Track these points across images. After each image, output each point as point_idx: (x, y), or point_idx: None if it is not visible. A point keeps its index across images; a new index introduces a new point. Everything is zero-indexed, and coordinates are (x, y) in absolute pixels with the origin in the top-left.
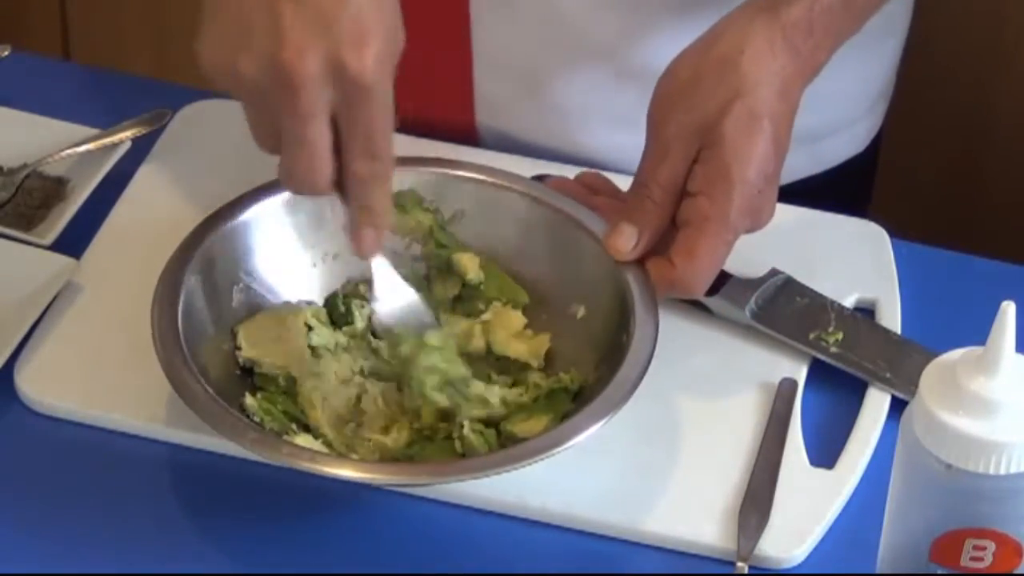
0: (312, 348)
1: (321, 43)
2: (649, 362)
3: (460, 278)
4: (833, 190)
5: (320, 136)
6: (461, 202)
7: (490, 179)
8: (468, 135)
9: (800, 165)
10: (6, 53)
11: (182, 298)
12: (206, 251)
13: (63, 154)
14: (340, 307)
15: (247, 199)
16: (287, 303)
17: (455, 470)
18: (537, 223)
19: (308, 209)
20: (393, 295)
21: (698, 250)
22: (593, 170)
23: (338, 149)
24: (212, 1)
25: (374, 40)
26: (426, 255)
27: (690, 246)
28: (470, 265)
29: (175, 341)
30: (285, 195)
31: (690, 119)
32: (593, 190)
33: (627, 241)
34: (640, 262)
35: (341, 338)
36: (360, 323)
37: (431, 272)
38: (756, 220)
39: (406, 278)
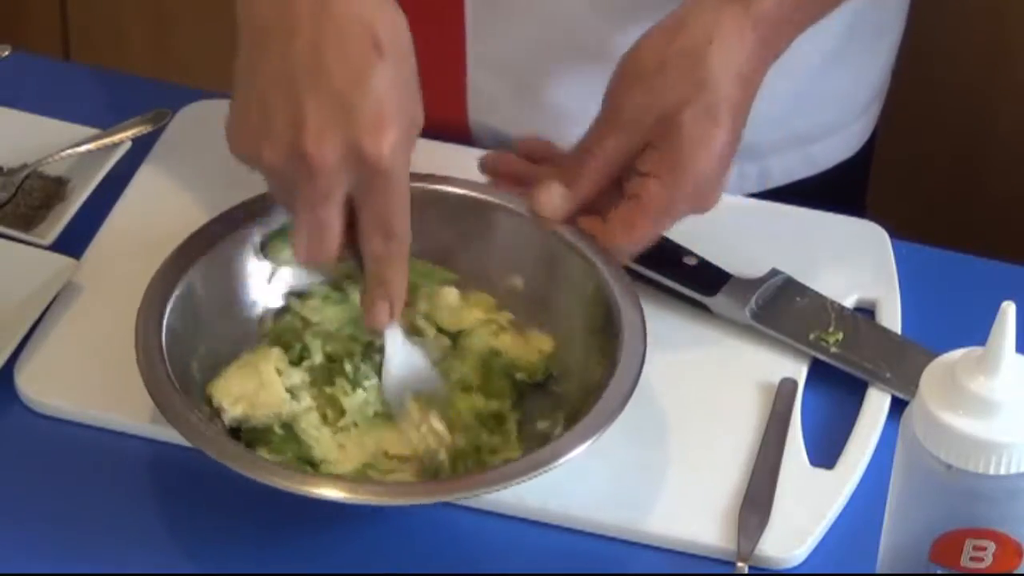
0: (288, 390)
1: (340, 130)
2: (641, 367)
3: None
4: (826, 192)
5: (332, 218)
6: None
7: (475, 194)
8: (461, 133)
9: (793, 167)
10: (6, 53)
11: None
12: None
13: (63, 154)
14: (294, 344)
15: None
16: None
17: (448, 489)
18: (522, 239)
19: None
20: (403, 360)
21: (636, 225)
22: (533, 138)
23: (354, 223)
24: (238, 80)
25: (392, 126)
26: None
27: (631, 219)
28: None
29: (160, 360)
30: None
31: (650, 105)
32: (534, 159)
33: (553, 199)
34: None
35: (305, 375)
36: (317, 357)
37: None
38: (702, 205)
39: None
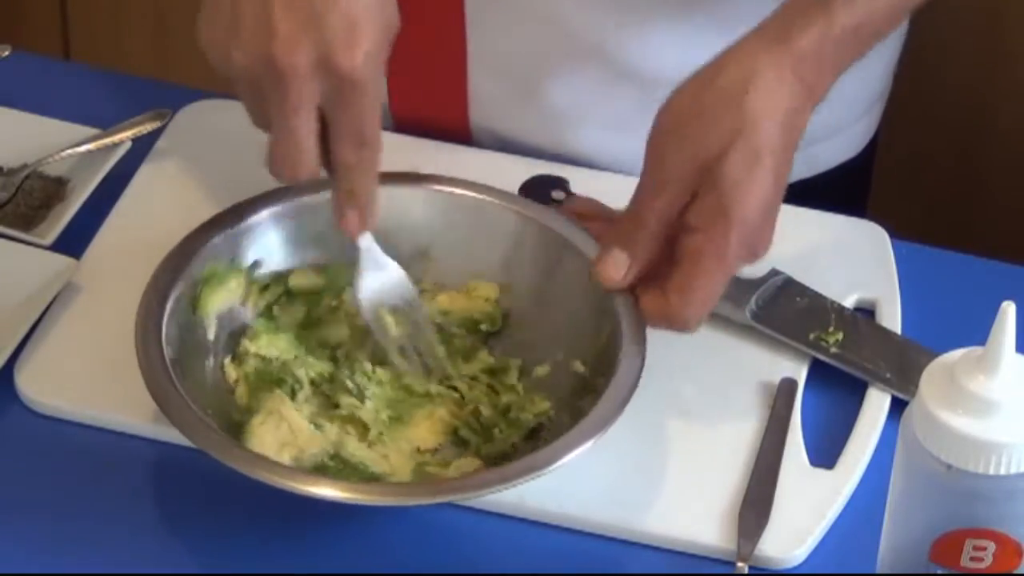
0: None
1: (311, 38)
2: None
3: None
4: (828, 193)
5: (305, 127)
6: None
7: (482, 196)
8: (462, 134)
9: (795, 168)
10: (6, 53)
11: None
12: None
13: (63, 154)
14: (283, 382)
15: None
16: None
17: (449, 489)
18: (527, 241)
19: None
20: (377, 272)
21: (694, 285)
22: (584, 196)
23: (326, 136)
24: None
25: (365, 37)
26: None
27: (686, 281)
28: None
29: (161, 363)
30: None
31: (691, 156)
32: (584, 218)
33: (618, 269)
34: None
35: (311, 407)
36: (307, 390)
37: None
38: (753, 254)
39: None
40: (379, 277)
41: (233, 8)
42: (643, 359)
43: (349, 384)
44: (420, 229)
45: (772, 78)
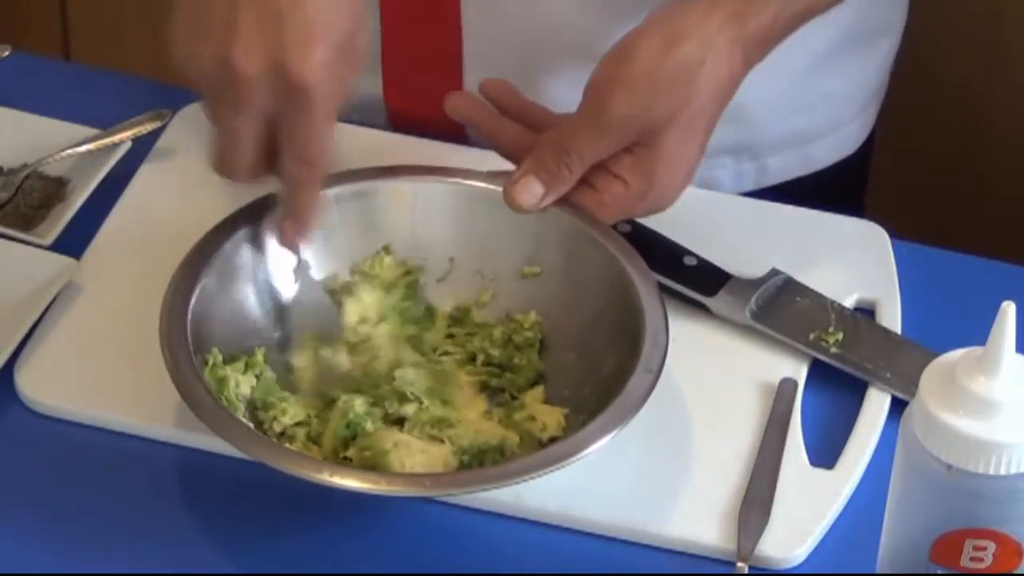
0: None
1: (267, 43)
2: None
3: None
4: (824, 191)
5: (247, 131)
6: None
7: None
8: (457, 133)
9: (791, 166)
10: (6, 53)
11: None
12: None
13: (63, 154)
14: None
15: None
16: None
17: (457, 482)
18: (549, 233)
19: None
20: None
21: (599, 215)
22: (496, 79)
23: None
24: None
25: (320, 44)
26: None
27: (593, 208)
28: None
29: (185, 352)
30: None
31: (637, 118)
32: (500, 106)
33: (532, 197)
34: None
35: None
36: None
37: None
38: (658, 210)
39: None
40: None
41: (203, 11)
42: (664, 351)
43: (351, 415)
44: (444, 227)
45: (723, 55)
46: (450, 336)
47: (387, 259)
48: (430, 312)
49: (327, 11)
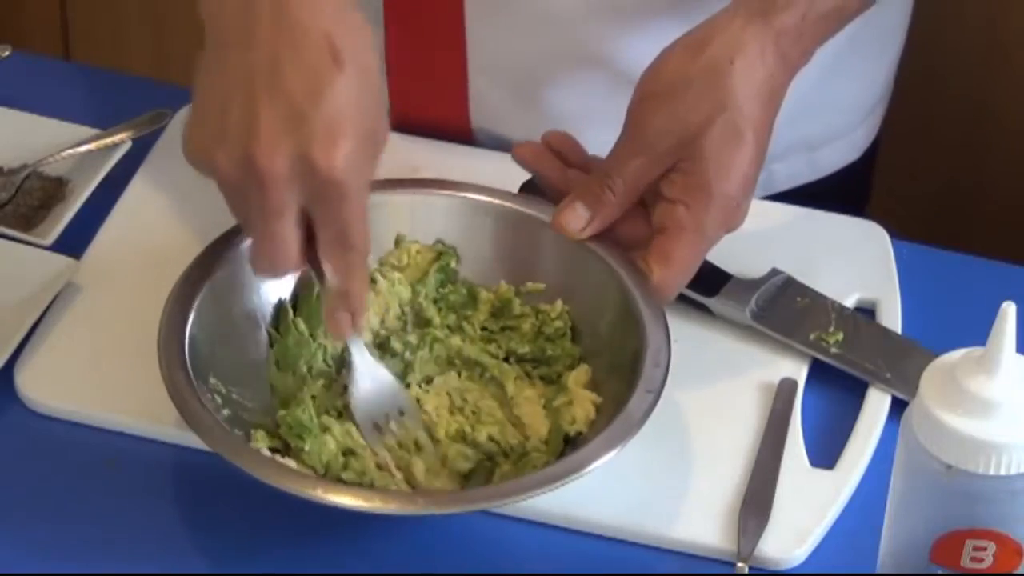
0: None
1: (292, 140)
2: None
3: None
4: (830, 196)
5: (286, 231)
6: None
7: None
8: (463, 137)
9: (798, 172)
10: (6, 53)
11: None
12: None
13: (63, 154)
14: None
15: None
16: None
17: (463, 500)
18: (546, 244)
19: None
20: (370, 377)
21: (673, 257)
22: (558, 131)
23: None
24: (198, 85)
25: (345, 138)
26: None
27: (666, 252)
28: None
29: (181, 363)
30: None
31: (673, 127)
32: (563, 157)
33: (577, 221)
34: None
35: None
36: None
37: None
38: (729, 228)
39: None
40: (372, 378)
41: (219, 112)
42: (668, 341)
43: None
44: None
45: (754, 53)
46: (484, 330)
47: (414, 246)
48: (472, 295)
49: (350, 106)
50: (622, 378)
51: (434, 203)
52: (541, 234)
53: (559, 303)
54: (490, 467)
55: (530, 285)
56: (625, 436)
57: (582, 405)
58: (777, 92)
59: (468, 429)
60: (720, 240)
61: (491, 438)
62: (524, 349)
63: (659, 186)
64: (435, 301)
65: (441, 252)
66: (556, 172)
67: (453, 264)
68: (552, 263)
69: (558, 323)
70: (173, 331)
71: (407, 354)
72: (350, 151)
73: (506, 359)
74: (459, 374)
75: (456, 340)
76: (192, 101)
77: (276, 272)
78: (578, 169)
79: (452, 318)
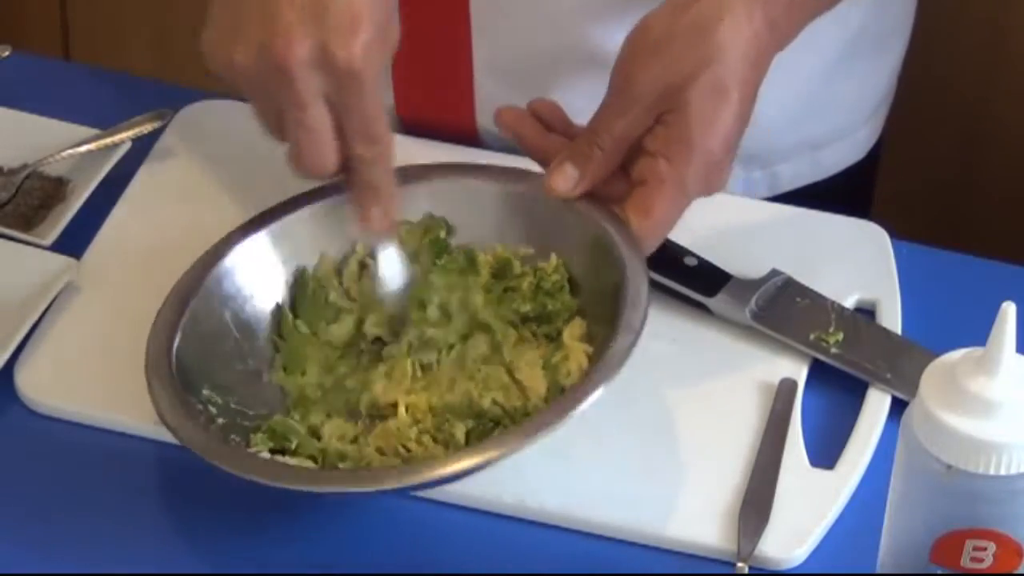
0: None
1: (310, 31)
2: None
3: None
4: (833, 196)
5: (320, 120)
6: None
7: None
8: (469, 137)
9: (802, 173)
10: (6, 53)
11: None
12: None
13: (63, 154)
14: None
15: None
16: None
17: (458, 459)
18: (516, 206)
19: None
20: (395, 276)
21: (654, 210)
22: (545, 99)
23: (338, 133)
24: None
25: (363, 29)
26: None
27: (646, 205)
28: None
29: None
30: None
31: (658, 81)
32: (547, 124)
33: (567, 182)
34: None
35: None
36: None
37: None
38: (710, 187)
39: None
40: (402, 276)
41: (236, 13)
42: (647, 278)
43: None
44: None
45: (742, 13)
46: (487, 291)
47: (403, 227)
48: (471, 259)
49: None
50: (608, 322)
51: (416, 191)
52: (519, 201)
53: (554, 257)
54: (493, 431)
55: (521, 250)
56: (608, 375)
57: (576, 357)
58: (763, 55)
59: (475, 394)
60: (696, 197)
61: (495, 402)
62: (526, 308)
63: (642, 141)
64: (433, 272)
65: (429, 226)
66: (536, 136)
67: (443, 235)
68: (536, 226)
69: (555, 276)
70: (161, 349)
71: (427, 331)
72: (367, 41)
73: (511, 323)
74: (465, 340)
75: (478, 299)
76: (209, 6)
77: (319, 166)
78: (560, 135)
79: (458, 291)
